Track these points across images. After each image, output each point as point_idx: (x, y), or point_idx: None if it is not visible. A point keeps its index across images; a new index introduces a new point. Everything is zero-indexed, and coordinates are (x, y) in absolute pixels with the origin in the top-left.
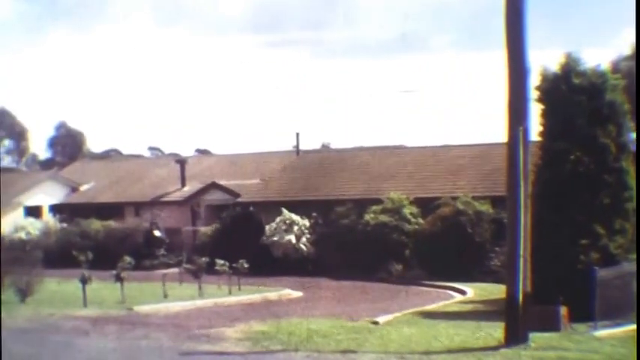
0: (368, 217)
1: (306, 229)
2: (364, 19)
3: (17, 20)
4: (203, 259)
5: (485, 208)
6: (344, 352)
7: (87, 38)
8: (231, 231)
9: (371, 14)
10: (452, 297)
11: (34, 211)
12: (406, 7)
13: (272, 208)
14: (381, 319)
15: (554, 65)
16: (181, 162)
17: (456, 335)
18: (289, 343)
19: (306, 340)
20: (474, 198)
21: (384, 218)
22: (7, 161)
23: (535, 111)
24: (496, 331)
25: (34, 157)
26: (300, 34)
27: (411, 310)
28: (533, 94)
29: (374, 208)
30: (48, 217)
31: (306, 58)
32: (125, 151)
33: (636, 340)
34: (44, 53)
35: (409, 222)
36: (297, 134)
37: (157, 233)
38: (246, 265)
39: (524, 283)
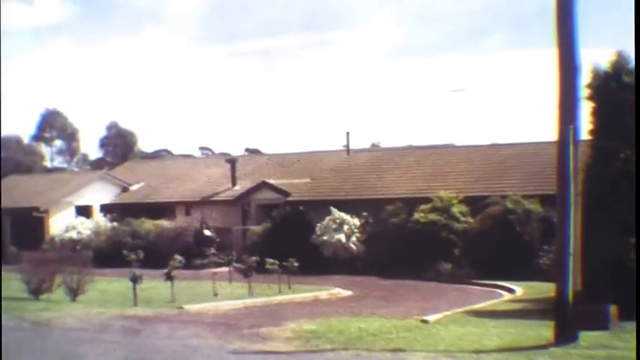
0: (417, 215)
1: (356, 228)
2: (414, 18)
3: (69, 22)
4: (253, 258)
5: (535, 206)
6: (393, 350)
7: (137, 39)
8: (281, 230)
9: (421, 13)
10: (501, 296)
11: (84, 211)
12: (456, 6)
13: (322, 207)
14: (431, 318)
15: (605, 63)
16: (232, 161)
17: (505, 334)
18: (339, 342)
19: (356, 339)
20: (523, 197)
21: (433, 217)
22: (59, 161)
23: (585, 109)
24: (545, 330)
25: (85, 157)
26: (349, 32)
27: (460, 309)
28: (584, 92)
29: (423, 207)
30: (98, 216)
31: (356, 57)
32: (176, 151)
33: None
34: (95, 54)
35: (458, 221)
36: (348, 133)
37: (207, 232)
38: (296, 264)
39: (573, 281)
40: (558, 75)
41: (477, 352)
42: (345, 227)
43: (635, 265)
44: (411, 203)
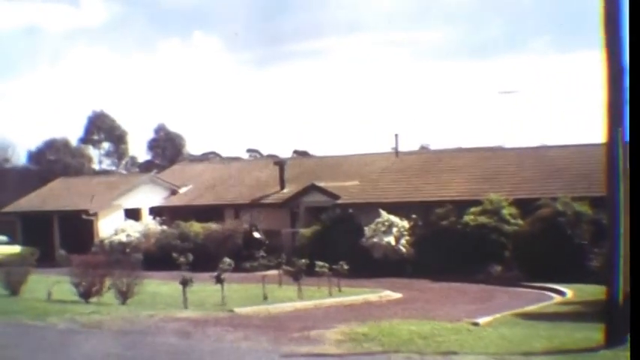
0: (467, 218)
1: (406, 230)
2: (463, 20)
3: (116, 23)
4: (302, 260)
5: (585, 208)
6: (444, 353)
7: (185, 42)
8: (330, 233)
9: (470, 14)
10: (551, 298)
11: (133, 214)
12: (504, 7)
13: (371, 209)
14: (481, 321)
15: None
16: (280, 164)
17: (555, 337)
18: (389, 344)
19: (407, 342)
20: (573, 199)
21: (483, 219)
22: (107, 164)
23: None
24: (595, 332)
25: (133, 159)
26: (400, 34)
27: (510, 312)
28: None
29: (473, 209)
30: (147, 219)
31: (405, 59)
32: (224, 154)
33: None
34: (143, 57)
35: (508, 223)
36: (396, 136)
37: (256, 235)
38: (345, 267)
39: (624, 284)
40: (605, 77)
41: (527, 354)
42: (395, 230)
43: None
44: (460, 206)
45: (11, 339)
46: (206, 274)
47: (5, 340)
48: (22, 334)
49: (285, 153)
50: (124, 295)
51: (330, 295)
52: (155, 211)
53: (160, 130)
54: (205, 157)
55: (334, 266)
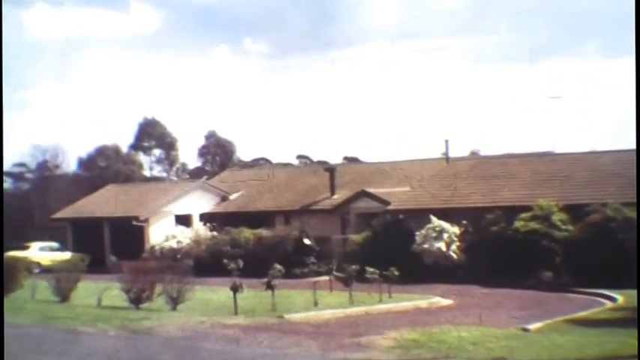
0: (517, 224)
1: (456, 236)
2: (512, 25)
3: (166, 30)
4: (353, 266)
5: (635, 214)
6: (495, 359)
7: (235, 48)
8: (381, 239)
9: (520, 19)
10: (602, 304)
11: (184, 220)
12: (553, 13)
13: (421, 215)
14: (532, 327)
15: None
16: (331, 170)
17: (606, 343)
18: (440, 351)
19: (457, 348)
20: (623, 204)
21: (533, 225)
22: (158, 170)
23: None
24: None
25: (183, 166)
26: (448, 40)
27: (561, 318)
28: None
29: (523, 215)
30: (198, 225)
31: (455, 65)
32: (274, 160)
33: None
34: (194, 63)
35: (559, 229)
36: (447, 141)
37: (306, 241)
38: (396, 273)
39: None
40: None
41: None
42: (445, 236)
43: None
44: (510, 211)
45: (62, 345)
46: (256, 281)
47: (56, 346)
48: (73, 341)
49: (336, 159)
50: (175, 301)
51: (381, 301)
52: (206, 218)
53: (211, 136)
54: (256, 164)
55: (385, 272)
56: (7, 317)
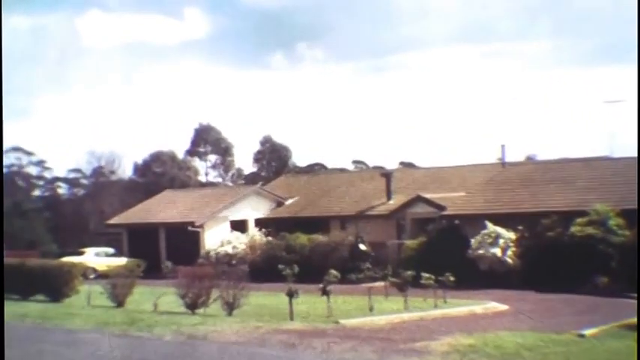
0: (574, 229)
1: (512, 242)
2: (568, 29)
3: (221, 36)
4: (409, 272)
5: None
6: None
7: (289, 54)
8: (436, 244)
9: (576, 24)
10: None
11: (239, 226)
12: (609, 16)
13: (477, 221)
14: (587, 332)
15: None
16: (387, 175)
17: None
18: (495, 356)
19: (513, 354)
20: None
21: (589, 230)
22: (213, 176)
23: None
24: None
25: (239, 171)
26: (505, 44)
27: (617, 323)
28: None
29: (579, 220)
30: (253, 231)
31: (510, 69)
32: (329, 165)
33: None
34: (248, 69)
35: (615, 234)
36: (503, 146)
37: (362, 247)
38: (451, 279)
39: None
40: None
41: None
42: (501, 241)
43: None
44: (566, 216)
45: (118, 351)
46: (312, 286)
47: (112, 352)
48: (129, 346)
49: (391, 164)
50: (230, 307)
51: (436, 306)
52: (261, 223)
53: (266, 142)
54: (311, 169)
55: (440, 278)
56: (63, 323)
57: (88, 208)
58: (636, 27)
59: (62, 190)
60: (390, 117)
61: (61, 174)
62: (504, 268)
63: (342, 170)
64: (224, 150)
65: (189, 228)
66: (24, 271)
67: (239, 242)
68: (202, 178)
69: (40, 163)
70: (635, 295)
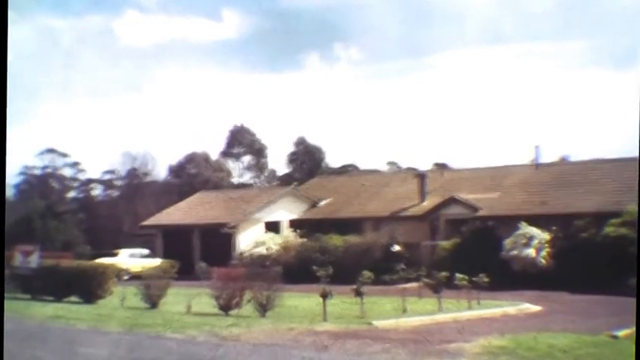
0: (607, 230)
1: (545, 242)
2: (604, 29)
3: (257, 37)
4: (442, 273)
5: None
6: None
7: (324, 54)
8: (470, 245)
9: (610, 24)
10: None
11: (273, 227)
12: None
13: (511, 222)
14: (621, 333)
15: None
16: (421, 176)
17: None
18: (528, 358)
19: (546, 355)
20: None
21: (623, 231)
22: (247, 177)
23: None
24: None
25: (273, 173)
26: (540, 45)
27: None
28: None
29: (613, 221)
30: (287, 232)
31: (545, 70)
32: (363, 166)
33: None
34: (282, 69)
35: None
36: (536, 147)
37: (395, 248)
38: (485, 280)
39: None
40: None
41: None
42: (535, 242)
43: None
44: (600, 217)
45: (151, 352)
46: (345, 287)
47: (146, 353)
48: (162, 347)
49: (425, 165)
50: (264, 308)
51: (470, 307)
52: (295, 224)
53: (300, 143)
54: (344, 170)
55: (474, 279)
56: (97, 324)
57: (122, 209)
58: None
59: (96, 191)
60: (423, 118)
61: (96, 176)
62: (538, 269)
63: (376, 171)
64: (258, 151)
65: (223, 229)
66: (58, 272)
67: (273, 243)
68: (236, 180)
69: (74, 164)
70: None
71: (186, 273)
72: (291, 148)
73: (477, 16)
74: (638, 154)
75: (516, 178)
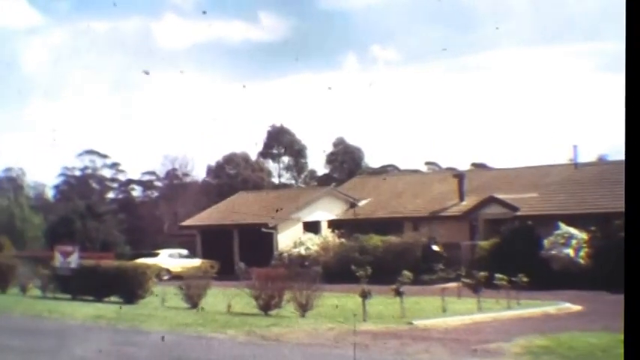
0: None
1: (584, 242)
2: None
3: (294, 38)
4: (482, 273)
5: None
6: None
7: (362, 55)
8: (509, 245)
9: None
10: None
11: (312, 227)
12: None
13: (550, 221)
14: None
15: None
16: (460, 176)
17: None
18: (569, 357)
19: (586, 355)
20: None
21: None
22: (286, 177)
23: None
24: None
25: (312, 173)
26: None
27: None
28: None
29: None
30: (326, 232)
31: (583, 70)
32: (402, 167)
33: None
34: (320, 70)
35: None
36: (575, 147)
37: (435, 248)
38: (525, 279)
39: None
40: None
41: None
42: (573, 242)
43: None
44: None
45: (192, 352)
46: (385, 287)
47: (187, 353)
48: (203, 347)
49: (464, 165)
50: (304, 308)
51: (509, 307)
52: (334, 224)
53: (339, 143)
54: (384, 170)
55: (513, 278)
56: (138, 324)
57: (161, 210)
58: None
59: (136, 192)
60: (462, 118)
61: (135, 176)
62: (577, 269)
63: (415, 171)
64: (297, 151)
65: (263, 229)
66: (99, 272)
67: (312, 243)
68: (275, 180)
69: (113, 165)
70: None
71: (225, 273)
72: (331, 149)
73: (515, 17)
74: None
75: (555, 177)
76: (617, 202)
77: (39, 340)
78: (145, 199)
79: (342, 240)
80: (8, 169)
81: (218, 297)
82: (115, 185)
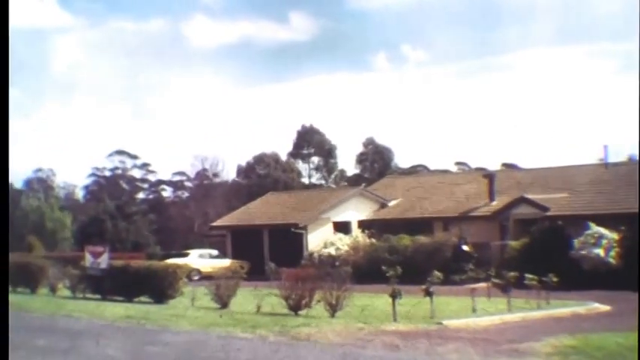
0: None
1: (615, 242)
2: None
3: (323, 39)
4: (512, 273)
5: None
6: None
7: (391, 55)
8: (539, 245)
9: None
10: None
11: (342, 227)
12: None
13: (580, 221)
14: None
15: None
16: (490, 176)
17: None
18: (598, 357)
19: (615, 355)
20: None
21: None
22: (316, 178)
23: None
24: None
25: (342, 173)
26: (607, 45)
27: None
28: None
29: None
30: (356, 232)
31: (612, 70)
32: (432, 167)
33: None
34: (350, 70)
35: None
36: (605, 147)
37: (465, 248)
38: (555, 279)
39: None
40: None
41: None
42: (604, 242)
43: None
44: None
45: (222, 352)
46: (415, 287)
47: (217, 353)
48: (233, 347)
49: (494, 165)
50: (334, 308)
51: (539, 307)
52: (364, 224)
53: (369, 143)
54: (414, 170)
55: (543, 278)
56: (168, 324)
57: (192, 210)
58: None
59: (166, 192)
60: (492, 118)
61: (165, 177)
62: (607, 269)
63: (445, 171)
64: (327, 152)
65: (293, 229)
66: (129, 272)
67: (342, 244)
68: (305, 180)
69: (144, 165)
70: None
71: (255, 273)
72: (361, 149)
73: (544, 16)
74: None
75: (585, 177)
76: None
77: (67, 340)
78: (175, 200)
79: (372, 240)
80: (38, 170)
81: (248, 297)
82: (145, 186)
